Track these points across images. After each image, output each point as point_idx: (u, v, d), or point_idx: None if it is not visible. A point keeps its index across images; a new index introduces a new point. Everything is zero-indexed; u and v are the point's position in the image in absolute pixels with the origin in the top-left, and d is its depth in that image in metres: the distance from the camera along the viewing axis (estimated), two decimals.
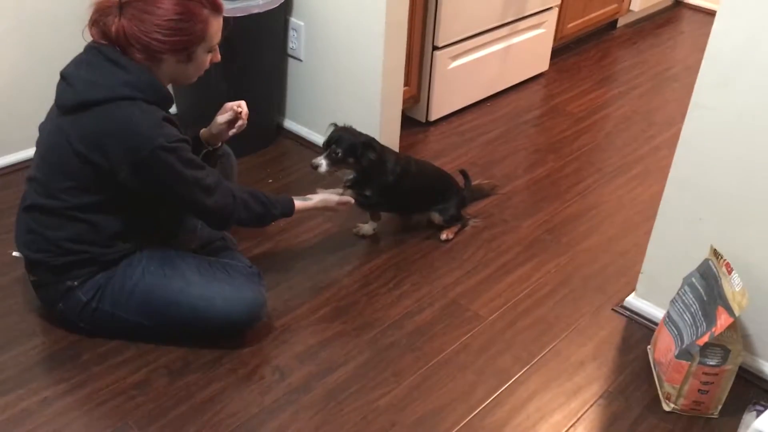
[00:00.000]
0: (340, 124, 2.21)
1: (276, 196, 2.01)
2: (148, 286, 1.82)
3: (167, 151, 1.69)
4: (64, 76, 1.75)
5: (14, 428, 1.66)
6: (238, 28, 1.97)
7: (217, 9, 1.76)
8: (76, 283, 1.81)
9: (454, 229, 2.39)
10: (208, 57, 1.81)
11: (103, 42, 1.71)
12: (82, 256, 1.79)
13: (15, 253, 1.89)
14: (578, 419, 1.79)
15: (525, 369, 1.91)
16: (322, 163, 2.12)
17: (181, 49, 1.73)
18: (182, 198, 1.78)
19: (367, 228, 2.35)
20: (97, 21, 1.71)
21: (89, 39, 1.74)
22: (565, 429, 1.77)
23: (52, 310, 1.89)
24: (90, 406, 1.73)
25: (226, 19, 1.81)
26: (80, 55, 1.76)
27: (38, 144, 1.82)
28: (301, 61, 2.72)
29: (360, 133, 2.19)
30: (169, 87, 1.81)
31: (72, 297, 1.83)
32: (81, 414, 1.72)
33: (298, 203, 2.03)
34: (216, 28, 1.77)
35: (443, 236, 2.36)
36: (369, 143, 2.16)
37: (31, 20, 2.39)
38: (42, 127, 1.82)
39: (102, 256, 1.81)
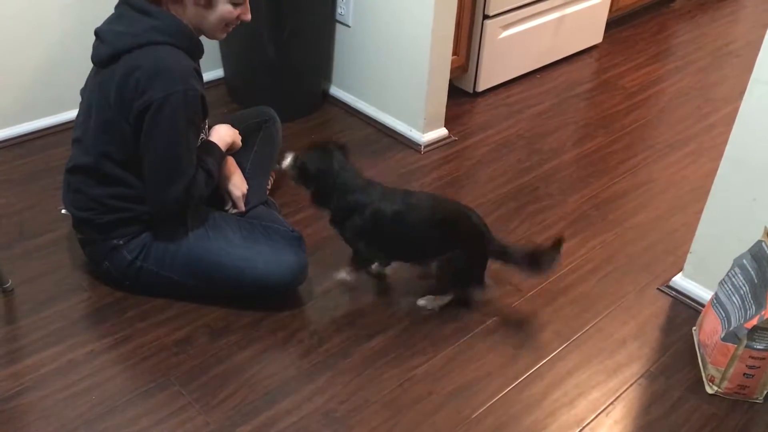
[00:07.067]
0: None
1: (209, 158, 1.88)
2: (192, 246, 1.85)
3: (182, 101, 1.68)
4: (97, 33, 1.77)
5: (62, 378, 1.71)
6: None
7: None
8: (121, 242, 1.85)
9: (445, 298, 1.94)
10: (234, 11, 1.77)
11: None
12: (126, 214, 1.82)
13: (63, 211, 1.93)
14: (617, 398, 1.77)
15: (565, 345, 1.89)
16: None
17: None
18: (161, 155, 1.73)
19: (343, 275, 1.96)
20: None
21: None
22: (604, 407, 1.75)
23: (99, 268, 1.93)
24: (134, 360, 1.77)
25: None
26: (113, 12, 1.78)
27: (80, 106, 1.85)
28: (349, 27, 2.69)
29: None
30: (217, 48, 1.80)
31: (117, 255, 1.86)
32: (125, 368, 1.76)
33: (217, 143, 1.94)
34: None
35: (421, 301, 1.95)
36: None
37: None
38: (82, 91, 1.86)
39: (145, 214, 1.83)
